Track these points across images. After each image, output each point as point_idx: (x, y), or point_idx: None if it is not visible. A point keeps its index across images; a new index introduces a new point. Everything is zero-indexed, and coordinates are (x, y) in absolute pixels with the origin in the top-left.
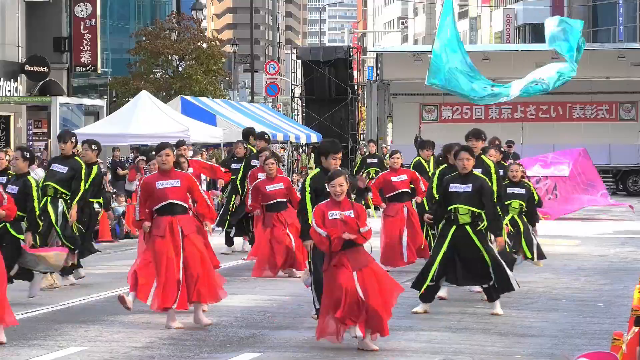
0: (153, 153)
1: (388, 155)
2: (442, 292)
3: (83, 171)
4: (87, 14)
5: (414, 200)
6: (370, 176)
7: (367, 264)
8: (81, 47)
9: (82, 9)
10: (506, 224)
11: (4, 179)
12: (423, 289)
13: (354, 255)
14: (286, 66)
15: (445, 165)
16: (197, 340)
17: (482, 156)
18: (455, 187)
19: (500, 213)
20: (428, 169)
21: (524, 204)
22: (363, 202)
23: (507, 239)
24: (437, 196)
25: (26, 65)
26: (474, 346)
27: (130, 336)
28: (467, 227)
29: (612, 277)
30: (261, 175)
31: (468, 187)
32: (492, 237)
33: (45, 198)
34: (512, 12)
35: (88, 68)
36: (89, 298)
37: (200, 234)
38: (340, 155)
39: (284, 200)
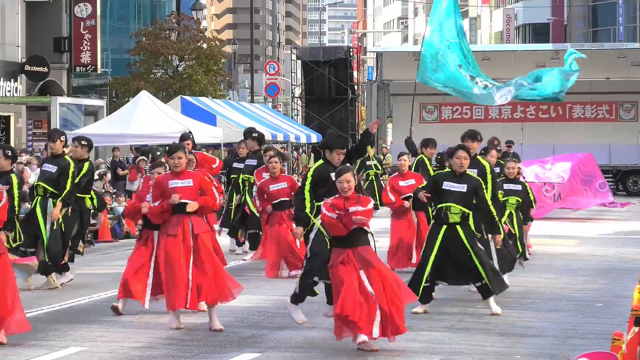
0: (158, 154)
1: (388, 155)
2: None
3: (70, 169)
4: (87, 14)
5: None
6: (370, 178)
7: (374, 265)
8: (81, 47)
9: (82, 9)
10: (505, 223)
11: None
12: (420, 293)
13: (361, 254)
14: (286, 66)
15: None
16: (197, 340)
17: (478, 157)
18: (449, 186)
19: (494, 213)
20: (429, 168)
21: (520, 200)
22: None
23: (507, 239)
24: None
25: (26, 65)
26: (474, 346)
27: (130, 336)
28: (457, 227)
29: (612, 277)
30: (266, 175)
31: (463, 187)
32: (490, 236)
33: (36, 198)
34: (512, 12)
35: (88, 68)
36: (89, 298)
37: (211, 233)
38: (344, 151)
39: (288, 199)
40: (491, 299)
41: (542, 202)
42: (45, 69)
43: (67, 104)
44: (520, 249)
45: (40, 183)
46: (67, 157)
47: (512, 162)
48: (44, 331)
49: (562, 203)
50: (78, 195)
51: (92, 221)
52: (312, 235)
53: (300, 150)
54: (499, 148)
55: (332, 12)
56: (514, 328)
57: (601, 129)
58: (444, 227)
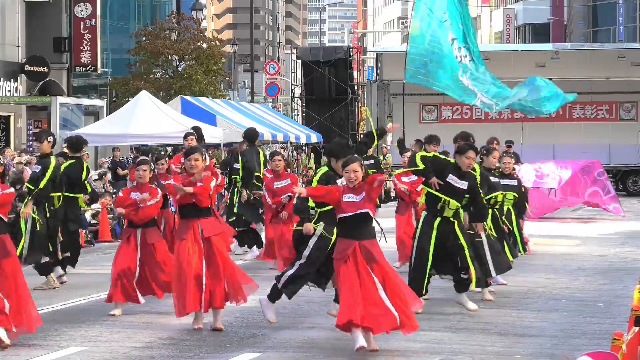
0: (162, 153)
1: (388, 155)
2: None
3: (49, 169)
4: (87, 14)
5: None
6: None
7: (378, 260)
8: (81, 47)
9: (82, 9)
10: (504, 222)
11: None
12: (424, 291)
13: (367, 247)
14: (286, 66)
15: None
16: (197, 341)
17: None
18: (452, 180)
19: (485, 204)
20: None
21: (517, 196)
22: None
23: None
24: (422, 166)
25: (26, 65)
26: (474, 346)
27: (130, 336)
28: (451, 219)
29: (612, 277)
30: (270, 175)
31: (464, 185)
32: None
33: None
34: (512, 12)
35: (88, 68)
36: (89, 298)
37: (224, 235)
38: None
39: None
40: (465, 295)
41: (543, 200)
42: (45, 69)
43: (67, 104)
44: (520, 245)
45: (26, 183)
46: (52, 157)
47: (508, 157)
48: (44, 331)
49: (560, 197)
50: (52, 195)
51: (93, 221)
52: (312, 243)
53: (300, 150)
54: (505, 151)
55: (332, 12)
56: (514, 328)
57: (601, 129)
58: (438, 219)
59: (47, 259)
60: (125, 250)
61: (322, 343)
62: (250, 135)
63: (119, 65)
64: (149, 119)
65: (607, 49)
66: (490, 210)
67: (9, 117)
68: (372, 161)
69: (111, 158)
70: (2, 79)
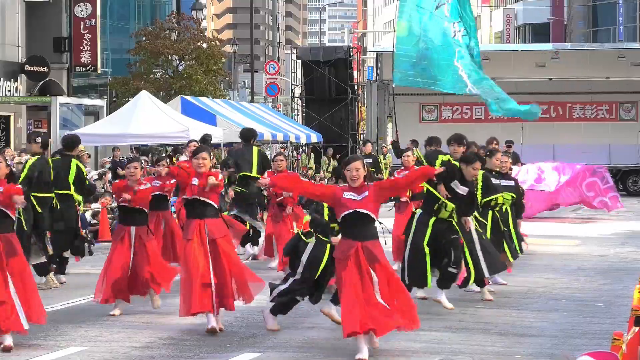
0: (164, 155)
1: (388, 155)
2: (421, 293)
3: (24, 169)
4: (87, 14)
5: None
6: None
7: (381, 260)
8: (81, 47)
9: (82, 9)
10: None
11: None
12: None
13: (369, 248)
14: (286, 66)
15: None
16: (197, 340)
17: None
18: (456, 185)
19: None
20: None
21: (514, 196)
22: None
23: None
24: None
25: (26, 65)
26: (474, 346)
27: (130, 336)
28: (446, 219)
29: (612, 277)
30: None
31: (465, 191)
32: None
33: None
34: (512, 12)
35: (88, 68)
36: (89, 298)
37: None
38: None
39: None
40: (444, 293)
41: (537, 196)
42: (45, 69)
43: (67, 103)
44: (517, 245)
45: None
46: (33, 157)
47: (505, 157)
48: (44, 331)
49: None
50: (34, 195)
51: (93, 221)
52: (304, 258)
53: (300, 150)
54: (505, 151)
55: (332, 12)
56: (514, 328)
57: (601, 129)
58: (433, 218)
59: (44, 258)
60: (119, 249)
61: (322, 343)
62: (245, 135)
63: (119, 65)
64: (149, 119)
65: (607, 49)
66: (490, 212)
67: (9, 117)
68: (370, 160)
69: (111, 158)
70: (2, 79)
